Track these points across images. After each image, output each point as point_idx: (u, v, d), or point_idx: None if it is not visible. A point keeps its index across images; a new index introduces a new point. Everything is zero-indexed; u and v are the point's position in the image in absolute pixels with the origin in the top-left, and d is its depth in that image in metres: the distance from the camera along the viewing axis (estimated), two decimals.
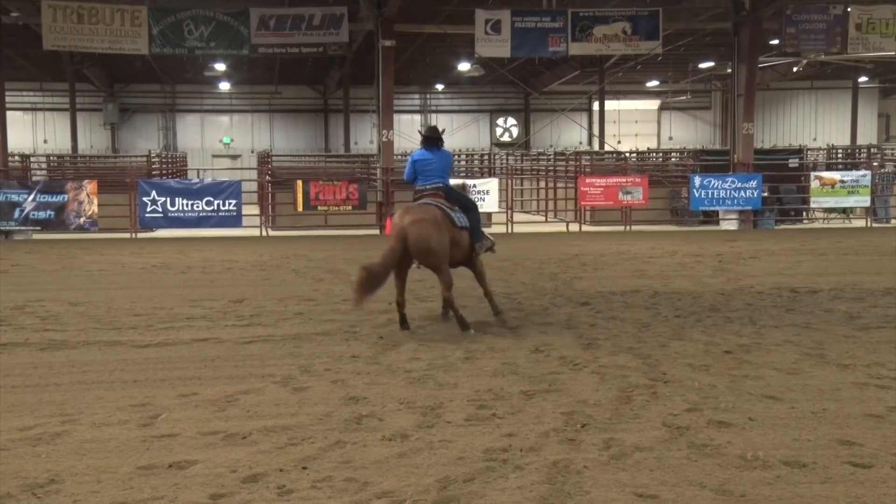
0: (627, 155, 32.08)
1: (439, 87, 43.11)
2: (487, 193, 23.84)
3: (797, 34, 24.96)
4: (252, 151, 40.95)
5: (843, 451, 5.67)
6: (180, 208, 23.20)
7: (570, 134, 43.14)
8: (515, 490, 5.03)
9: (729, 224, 24.89)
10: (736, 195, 24.57)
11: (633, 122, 44.57)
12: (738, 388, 7.20)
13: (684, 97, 43.10)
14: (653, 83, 42.25)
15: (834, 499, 4.93)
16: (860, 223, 25.70)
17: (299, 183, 24.07)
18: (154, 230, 23.75)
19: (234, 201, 23.41)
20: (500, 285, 13.25)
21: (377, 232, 23.76)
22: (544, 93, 39.65)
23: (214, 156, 41.76)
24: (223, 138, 42.27)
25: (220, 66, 34.34)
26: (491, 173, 30.06)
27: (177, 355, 8.59)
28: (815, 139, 42.89)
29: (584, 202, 25.07)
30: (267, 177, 26.91)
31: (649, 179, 25.40)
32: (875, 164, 28.83)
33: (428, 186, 10.02)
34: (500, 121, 44.15)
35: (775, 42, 28.41)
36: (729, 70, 29.18)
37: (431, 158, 10.07)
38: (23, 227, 22.63)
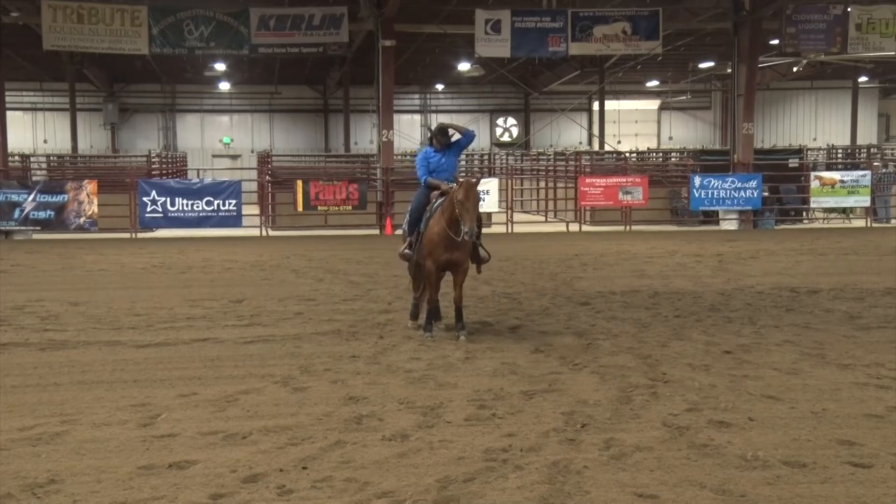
0: (627, 155, 32.07)
1: (439, 87, 43.09)
2: (487, 193, 23.81)
3: (797, 34, 24.94)
4: (252, 151, 40.93)
5: (843, 451, 5.67)
6: (180, 208, 23.19)
7: (570, 134, 43.12)
8: (515, 490, 5.03)
9: (729, 224, 24.88)
10: (736, 195, 24.57)
11: (633, 122, 44.55)
12: (738, 388, 7.20)
13: (684, 97, 43.08)
14: (653, 83, 42.24)
15: (834, 499, 4.93)
16: (860, 223, 25.70)
17: (299, 183, 24.05)
18: (154, 230, 23.75)
19: (234, 201, 23.40)
20: (500, 285, 13.27)
21: (377, 232, 23.77)
22: (544, 93, 39.64)
23: (214, 156, 41.74)
24: (223, 138, 42.25)
25: (220, 66, 34.33)
26: (491, 173, 30.04)
27: (177, 355, 8.59)
28: (815, 139, 42.87)
29: (584, 202, 25.06)
30: (267, 177, 26.91)
31: (649, 179, 25.39)
32: (876, 164, 28.81)
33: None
34: (500, 121, 44.13)
35: (775, 42, 28.38)
36: (729, 70, 29.16)
37: (439, 157, 9.90)
38: (23, 227, 22.62)
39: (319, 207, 23.98)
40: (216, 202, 23.32)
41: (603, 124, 38.06)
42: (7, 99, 25.94)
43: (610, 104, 40.07)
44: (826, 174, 26.09)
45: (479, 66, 33.68)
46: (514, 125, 44.18)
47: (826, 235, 22.17)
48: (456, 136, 9.94)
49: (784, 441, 5.87)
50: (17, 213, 22.73)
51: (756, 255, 17.46)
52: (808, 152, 31.31)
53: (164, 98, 41.53)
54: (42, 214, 22.89)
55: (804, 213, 26.91)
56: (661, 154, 36.17)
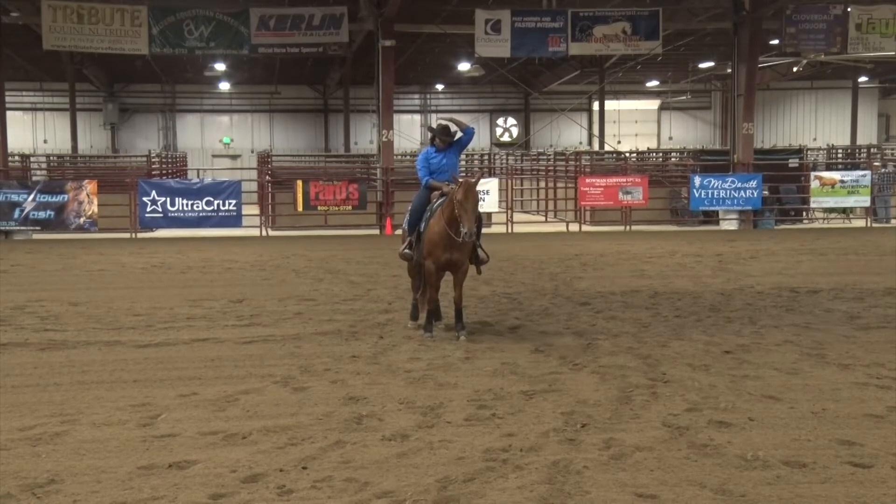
0: (627, 155, 32.08)
1: (439, 87, 43.10)
2: (487, 193, 23.81)
3: (797, 34, 24.95)
4: (252, 151, 40.94)
5: (843, 451, 5.67)
6: (180, 208, 23.19)
7: (570, 134, 43.12)
8: (515, 490, 5.03)
9: (729, 224, 24.87)
10: (736, 195, 24.57)
11: (633, 122, 44.55)
12: (738, 388, 7.20)
13: (684, 97, 43.07)
14: (653, 83, 42.24)
15: (834, 499, 4.93)
16: (860, 223, 25.70)
17: (299, 183, 24.05)
18: (154, 230, 23.75)
19: (234, 201, 23.40)
20: (500, 285, 13.27)
21: (377, 232, 23.77)
22: (544, 93, 39.63)
23: (214, 156, 41.75)
24: (223, 138, 42.26)
25: (220, 66, 34.32)
26: (491, 173, 30.03)
27: (177, 355, 8.59)
28: (815, 139, 42.87)
29: (584, 202, 25.06)
30: (267, 177, 26.90)
31: (649, 179, 25.39)
32: (876, 163, 28.80)
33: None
34: (500, 121, 44.14)
35: (775, 42, 28.39)
36: (729, 70, 29.16)
37: (441, 157, 9.90)
38: (23, 227, 22.62)
39: (319, 207, 23.98)
40: (216, 202, 23.32)
41: (603, 124, 38.05)
42: (7, 99, 25.93)
43: (610, 104, 40.06)
44: (826, 174, 26.10)
45: (479, 66, 33.68)
46: (514, 125, 44.18)
47: (826, 235, 22.17)
48: (458, 135, 9.93)
49: (784, 441, 5.87)
50: (17, 213, 22.73)
51: (756, 255, 17.46)
52: (808, 152, 31.30)
53: (164, 98, 41.53)
54: (42, 214, 22.89)
55: (804, 213, 26.91)
56: (661, 154, 36.15)
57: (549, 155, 35.13)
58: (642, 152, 35.83)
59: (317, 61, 33.88)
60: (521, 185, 31.17)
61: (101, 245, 20.31)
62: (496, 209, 24.42)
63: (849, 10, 24.82)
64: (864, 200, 25.44)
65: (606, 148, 36.51)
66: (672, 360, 8.25)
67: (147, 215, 23.15)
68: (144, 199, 23.03)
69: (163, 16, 23.64)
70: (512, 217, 24.62)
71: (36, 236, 22.58)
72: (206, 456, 5.59)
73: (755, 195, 24.57)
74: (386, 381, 7.55)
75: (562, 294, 12.46)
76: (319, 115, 42.86)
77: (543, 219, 27.90)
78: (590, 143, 41.44)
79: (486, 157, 36.28)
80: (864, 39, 25.12)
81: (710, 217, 25.52)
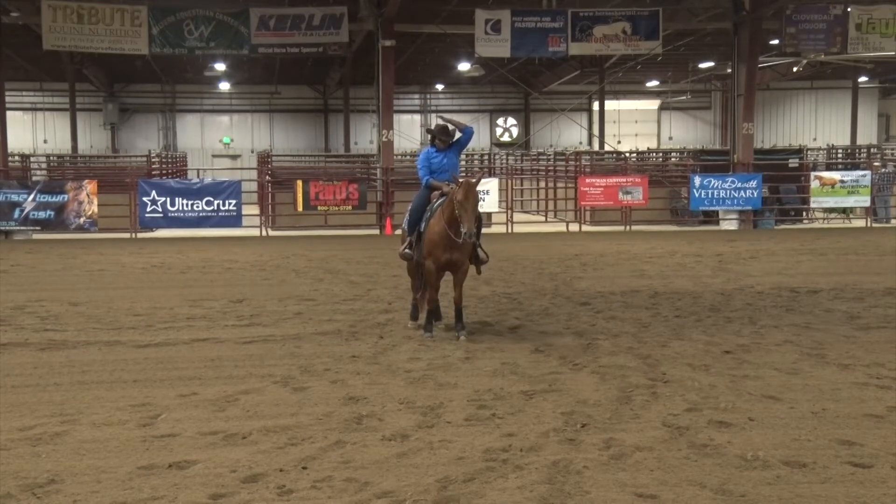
0: (627, 155, 32.07)
1: (439, 87, 43.11)
2: (487, 193, 23.81)
3: (797, 34, 24.96)
4: (252, 151, 40.95)
5: (843, 451, 5.67)
6: (180, 208, 23.19)
7: (570, 134, 43.12)
8: (515, 490, 5.03)
9: (729, 224, 24.87)
10: (736, 195, 24.57)
11: (633, 122, 44.55)
12: (738, 388, 7.20)
13: (684, 97, 43.08)
14: (653, 83, 42.24)
15: (834, 499, 4.93)
16: (860, 223, 25.70)
17: (299, 183, 24.05)
18: (154, 230, 23.75)
19: (234, 201, 23.40)
20: (499, 285, 13.27)
21: (377, 232, 23.76)
22: (544, 93, 39.63)
23: (214, 156, 41.75)
24: (223, 138, 42.26)
25: (220, 66, 34.33)
26: (491, 173, 30.02)
27: (177, 355, 8.59)
28: (815, 139, 42.88)
29: (584, 202, 25.06)
30: (267, 177, 26.90)
31: (649, 179, 25.39)
32: (876, 163, 28.80)
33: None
34: (500, 121, 44.14)
35: (775, 42, 28.40)
36: (729, 70, 29.17)
37: (441, 157, 9.90)
38: (23, 227, 22.62)
39: (319, 207, 23.98)
40: (216, 202, 23.32)
41: (603, 124, 38.05)
42: (7, 99, 25.93)
43: (610, 104, 40.06)
44: (826, 174, 26.09)
45: (479, 66, 33.68)
46: (514, 125, 44.18)
47: (826, 235, 22.17)
48: (457, 135, 9.93)
49: (784, 441, 5.87)
50: (17, 213, 22.73)
51: (756, 255, 17.46)
52: (808, 152, 31.30)
53: (164, 98, 41.53)
54: (42, 214, 22.89)
55: (804, 213, 26.91)
56: (661, 154, 36.15)
57: (549, 155, 35.13)
58: (642, 152, 35.83)
59: (317, 61, 33.88)
60: (521, 185, 31.16)
61: (101, 245, 20.31)
62: (496, 209, 24.42)
63: (849, 10, 24.82)
64: (864, 200, 25.45)
65: (606, 148, 36.51)
66: (672, 360, 8.25)
67: (147, 215, 23.15)
68: (144, 199, 23.02)
69: (163, 16, 23.64)
70: (512, 217, 24.62)
71: (36, 236, 22.58)
72: (206, 456, 5.59)
73: (755, 195, 24.57)
74: (386, 381, 7.55)
75: (562, 294, 12.46)
76: (319, 115, 42.87)
77: (543, 219, 27.89)
78: (590, 143, 41.43)
79: (486, 157, 36.27)
80: (864, 39, 25.12)
81: (710, 217, 25.52)
